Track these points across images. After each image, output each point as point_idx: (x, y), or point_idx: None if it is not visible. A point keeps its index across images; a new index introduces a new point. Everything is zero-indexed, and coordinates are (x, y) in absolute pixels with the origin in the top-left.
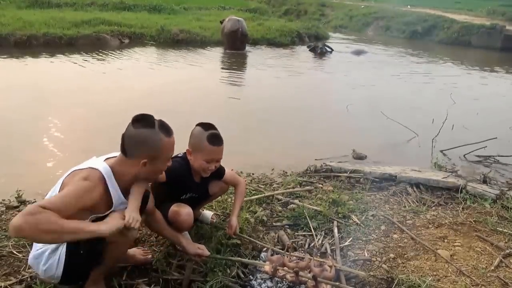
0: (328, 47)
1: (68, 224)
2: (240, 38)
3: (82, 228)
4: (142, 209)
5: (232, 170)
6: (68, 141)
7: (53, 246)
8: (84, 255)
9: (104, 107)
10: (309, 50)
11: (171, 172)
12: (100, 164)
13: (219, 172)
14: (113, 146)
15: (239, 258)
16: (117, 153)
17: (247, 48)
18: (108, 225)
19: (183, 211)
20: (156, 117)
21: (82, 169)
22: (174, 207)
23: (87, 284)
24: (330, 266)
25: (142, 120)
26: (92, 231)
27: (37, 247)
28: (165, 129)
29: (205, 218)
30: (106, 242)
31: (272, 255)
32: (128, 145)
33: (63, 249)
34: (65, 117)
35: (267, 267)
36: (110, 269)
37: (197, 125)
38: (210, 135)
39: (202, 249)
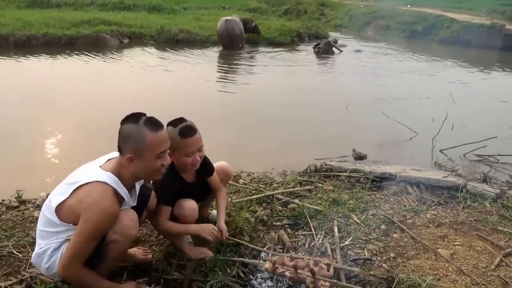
0: (336, 47)
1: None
2: (227, 38)
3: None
4: (143, 208)
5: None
6: (67, 141)
7: (56, 244)
8: None
9: (103, 108)
10: (315, 51)
11: (162, 186)
12: (105, 175)
13: (209, 170)
14: (111, 147)
15: (241, 259)
16: (108, 155)
17: (248, 47)
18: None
19: (187, 205)
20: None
21: (90, 183)
22: (179, 202)
23: None
24: (327, 264)
25: (130, 117)
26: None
27: (40, 246)
28: (151, 124)
29: (215, 218)
30: (107, 241)
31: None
32: (118, 142)
33: (64, 247)
34: (64, 118)
35: (267, 265)
36: (110, 268)
37: (167, 124)
38: (181, 129)
39: (205, 253)
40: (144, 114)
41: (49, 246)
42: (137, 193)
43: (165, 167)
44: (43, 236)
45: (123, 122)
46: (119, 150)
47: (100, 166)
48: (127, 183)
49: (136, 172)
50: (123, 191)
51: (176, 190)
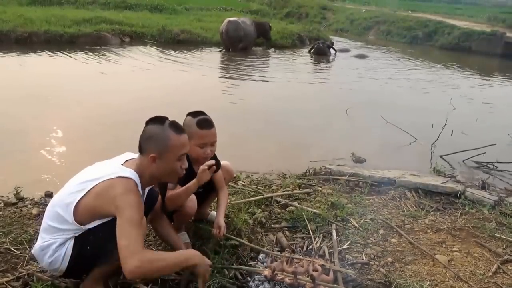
0: (332, 47)
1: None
2: (226, 39)
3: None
4: (149, 210)
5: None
6: (67, 140)
7: (61, 240)
8: (90, 252)
9: (103, 107)
10: (312, 52)
11: None
12: (127, 172)
13: (217, 165)
14: (112, 146)
15: (240, 266)
16: (124, 155)
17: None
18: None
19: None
20: None
21: (112, 179)
22: None
23: (86, 280)
24: (322, 265)
25: (154, 119)
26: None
27: (44, 239)
28: (175, 127)
29: (213, 219)
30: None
31: (271, 262)
32: (141, 142)
33: (70, 243)
34: (64, 116)
35: (267, 272)
36: (111, 268)
37: (187, 114)
38: (199, 120)
39: None
40: (167, 118)
41: (55, 240)
42: (145, 196)
43: (183, 170)
44: (48, 230)
45: (148, 123)
46: (141, 149)
47: (121, 164)
48: (143, 185)
49: (155, 172)
50: (141, 190)
51: (185, 173)
